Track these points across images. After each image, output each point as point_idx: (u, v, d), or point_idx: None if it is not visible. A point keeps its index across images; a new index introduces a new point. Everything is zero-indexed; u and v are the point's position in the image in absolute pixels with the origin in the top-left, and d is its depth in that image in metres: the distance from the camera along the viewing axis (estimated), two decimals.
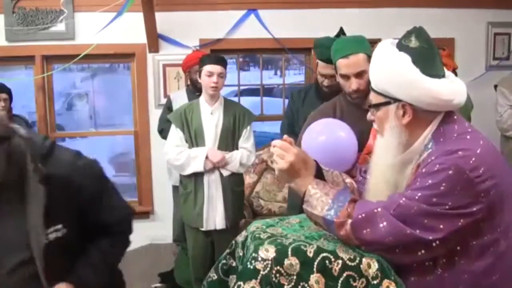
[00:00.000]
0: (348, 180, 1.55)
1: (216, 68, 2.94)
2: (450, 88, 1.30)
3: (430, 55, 1.32)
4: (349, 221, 1.26)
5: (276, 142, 1.40)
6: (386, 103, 1.34)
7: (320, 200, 1.32)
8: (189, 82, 3.83)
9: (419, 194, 1.21)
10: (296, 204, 2.65)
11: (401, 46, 1.33)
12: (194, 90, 3.67)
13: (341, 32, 2.79)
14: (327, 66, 2.68)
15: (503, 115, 3.54)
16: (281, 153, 1.37)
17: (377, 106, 1.37)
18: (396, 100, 1.32)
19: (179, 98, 3.69)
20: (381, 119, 1.37)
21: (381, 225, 1.23)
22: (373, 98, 1.39)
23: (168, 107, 3.71)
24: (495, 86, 3.69)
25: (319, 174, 1.45)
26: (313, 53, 4.18)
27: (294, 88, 5.14)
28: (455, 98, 1.30)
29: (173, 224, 3.99)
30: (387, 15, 4.07)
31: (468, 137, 1.28)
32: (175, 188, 3.84)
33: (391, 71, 1.30)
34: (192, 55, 3.76)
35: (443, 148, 1.26)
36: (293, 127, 2.97)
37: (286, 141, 1.39)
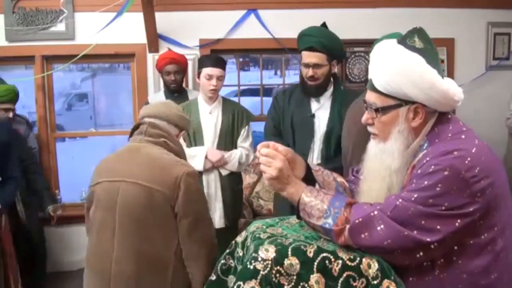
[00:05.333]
0: (340, 179, 1.53)
1: (215, 71, 2.92)
2: (458, 89, 1.31)
3: (435, 55, 1.31)
4: (347, 226, 1.25)
5: (262, 150, 1.34)
6: (397, 106, 1.30)
7: (316, 208, 1.30)
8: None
9: (416, 195, 1.21)
10: (283, 210, 2.62)
11: (409, 47, 1.29)
12: (170, 91, 3.48)
13: (324, 25, 2.89)
14: (310, 54, 2.69)
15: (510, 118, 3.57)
16: (268, 161, 1.32)
17: (386, 109, 1.32)
18: (408, 102, 1.28)
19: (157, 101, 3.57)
20: (387, 123, 1.33)
21: (378, 228, 1.22)
22: (378, 101, 1.33)
23: None
24: None
25: (309, 174, 1.43)
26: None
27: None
28: (461, 98, 1.31)
29: None
30: (387, 15, 4.05)
31: (463, 136, 1.27)
32: None
33: (409, 72, 1.25)
34: (163, 54, 3.58)
35: (438, 148, 1.25)
36: (278, 129, 2.89)
37: (271, 147, 1.34)
